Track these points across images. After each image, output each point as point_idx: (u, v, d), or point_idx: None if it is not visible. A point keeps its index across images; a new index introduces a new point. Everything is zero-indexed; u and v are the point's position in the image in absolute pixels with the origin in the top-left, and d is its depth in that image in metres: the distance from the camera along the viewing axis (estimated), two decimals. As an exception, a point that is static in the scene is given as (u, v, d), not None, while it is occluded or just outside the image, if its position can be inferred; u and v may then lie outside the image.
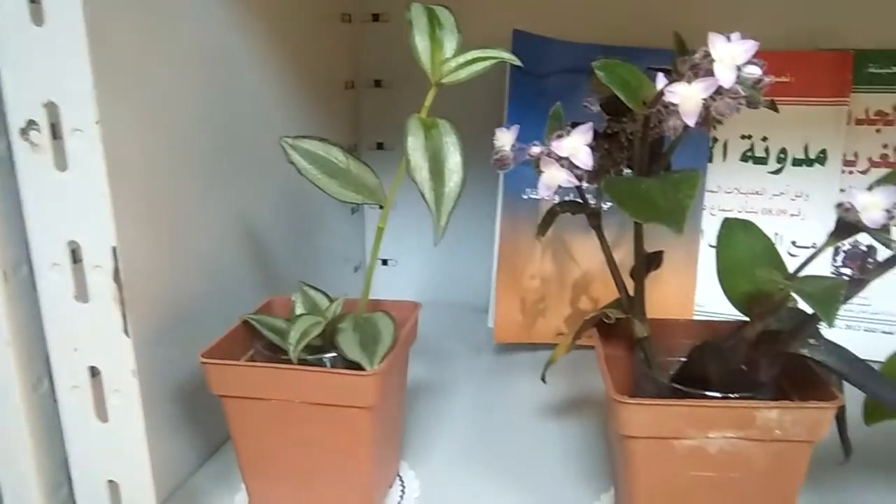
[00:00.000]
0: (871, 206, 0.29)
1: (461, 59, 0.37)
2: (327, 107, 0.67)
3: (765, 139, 0.62)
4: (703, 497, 0.34)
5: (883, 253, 0.32)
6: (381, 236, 0.42)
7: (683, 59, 0.31)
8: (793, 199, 0.62)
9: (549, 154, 0.33)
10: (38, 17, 0.31)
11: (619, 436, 0.34)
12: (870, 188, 0.30)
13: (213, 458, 0.49)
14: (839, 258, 0.61)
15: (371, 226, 0.78)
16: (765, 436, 0.33)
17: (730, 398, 0.34)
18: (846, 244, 0.62)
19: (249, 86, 0.53)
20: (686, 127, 0.31)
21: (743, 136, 0.62)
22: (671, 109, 0.30)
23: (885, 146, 0.60)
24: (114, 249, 0.33)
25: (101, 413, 0.36)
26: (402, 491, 0.45)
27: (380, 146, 0.74)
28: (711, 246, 0.64)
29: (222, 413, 0.39)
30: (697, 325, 0.42)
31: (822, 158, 0.61)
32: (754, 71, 0.30)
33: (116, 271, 0.34)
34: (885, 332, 0.61)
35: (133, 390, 0.35)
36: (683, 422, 0.33)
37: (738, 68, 0.29)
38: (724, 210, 0.63)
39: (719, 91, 0.29)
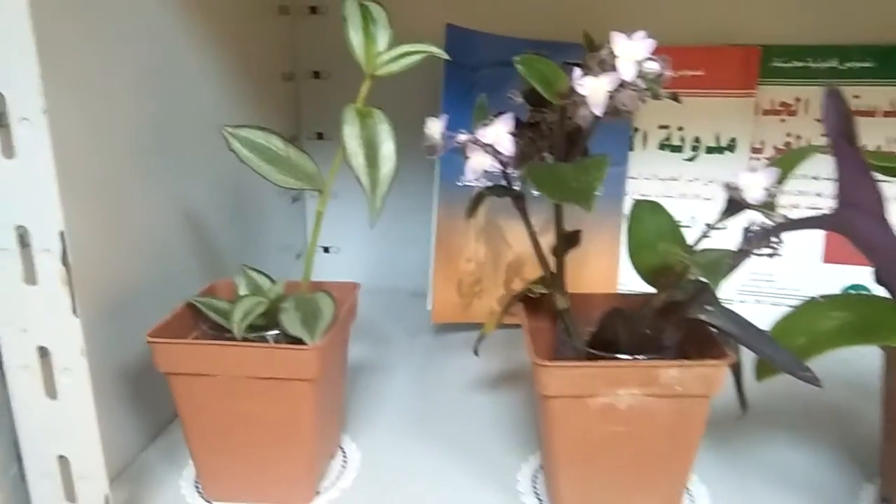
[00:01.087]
0: (752, 185, 0.33)
1: (393, 52, 0.40)
2: (267, 98, 0.69)
3: (681, 129, 0.67)
4: (614, 449, 0.38)
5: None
6: (321, 220, 0.45)
7: (592, 55, 0.34)
8: (706, 185, 0.67)
9: (475, 141, 0.37)
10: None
11: (540, 396, 0.38)
12: (753, 169, 0.34)
13: (159, 436, 0.50)
14: (745, 239, 0.67)
15: (312, 214, 0.80)
16: (667, 392, 0.37)
17: (637, 360, 0.38)
18: (755, 224, 0.67)
19: (190, 77, 0.54)
20: (597, 117, 0.34)
21: (661, 126, 0.67)
22: (581, 100, 0.34)
23: (789, 135, 0.66)
24: (62, 234, 0.35)
25: (51, 391, 0.37)
26: (344, 461, 0.48)
27: (320, 136, 0.76)
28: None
29: (168, 392, 0.41)
30: (613, 297, 0.46)
31: (732, 146, 0.66)
32: (653, 66, 0.34)
33: (64, 254, 0.35)
34: (789, 306, 0.66)
35: (82, 369, 0.37)
36: (596, 381, 0.37)
37: (639, 64, 0.33)
38: (644, 195, 0.67)
39: (622, 84, 0.33)
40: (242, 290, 0.45)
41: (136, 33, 0.46)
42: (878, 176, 0.54)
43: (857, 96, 0.64)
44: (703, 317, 0.38)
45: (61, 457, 0.39)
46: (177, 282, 0.51)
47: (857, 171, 0.26)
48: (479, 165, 0.37)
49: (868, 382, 0.47)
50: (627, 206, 0.68)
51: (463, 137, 0.37)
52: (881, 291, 0.41)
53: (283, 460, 0.42)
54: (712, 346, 0.39)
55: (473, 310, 0.66)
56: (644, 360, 0.37)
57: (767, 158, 0.66)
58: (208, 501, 0.44)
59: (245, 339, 0.41)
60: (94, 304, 0.43)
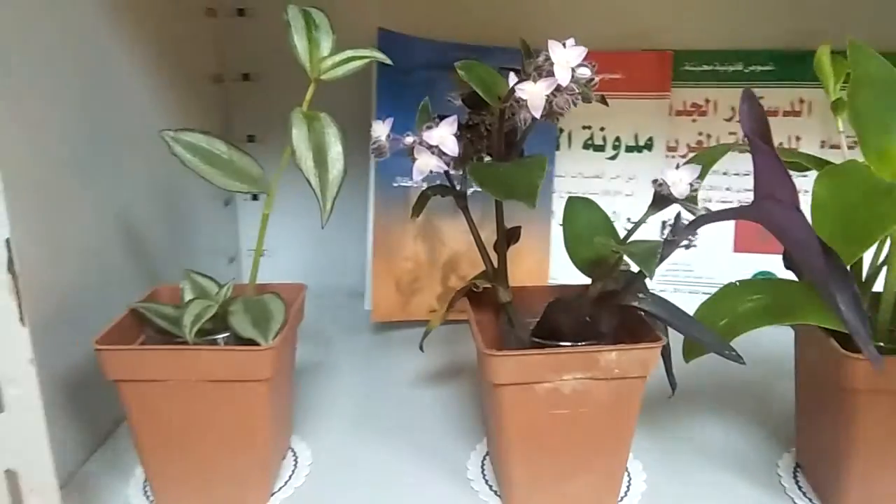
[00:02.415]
0: (678, 181, 0.36)
1: (337, 57, 0.41)
2: (196, 100, 0.68)
3: (602, 129, 0.70)
4: (560, 431, 0.41)
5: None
6: (267, 222, 0.45)
7: (529, 61, 0.37)
8: (627, 182, 0.71)
9: (422, 143, 0.38)
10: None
11: (489, 385, 0.40)
12: (677, 167, 0.37)
13: (101, 446, 0.49)
14: (666, 231, 0.71)
15: (244, 217, 0.79)
16: (607, 374, 0.39)
17: (578, 346, 0.40)
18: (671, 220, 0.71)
19: (120, 82, 0.54)
20: (534, 119, 0.36)
21: (584, 127, 0.70)
22: (521, 104, 0.36)
23: (700, 133, 0.70)
24: (7, 241, 0.34)
25: (-3, 404, 0.37)
26: (295, 460, 0.49)
27: (251, 138, 0.76)
28: (561, 225, 0.71)
29: (108, 400, 0.41)
30: (551, 289, 0.48)
31: (649, 145, 0.70)
32: (585, 72, 0.36)
33: (10, 262, 0.35)
34: (705, 293, 0.71)
35: (31, 379, 0.36)
36: (543, 368, 0.39)
37: (573, 70, 0.35)
38: (570, 192, 0.70)
39: (559, 88, 0.35)
40: (188, 295, 0.45)
41: (64, 38, 0.46)
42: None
43: (760, 97, 0.69)
44: (636, 304, 0.40)
45: (9, 471, 0.38)
46: (111, 288, 0.50)
47: (772, 167, 0.29)
48: (425, 166, 0.39)
49: (780, 361, 0.51)
50: (555, 203, 0.71)
51: (410, 139, 0.39)
52: (789, 275, 0.45)
53: (237, 462, 0.43)
54: (645, 331, 0.42)
55: (412, 308, 0.68)
56: (584, 346, 0.40)
57: (682, 156, 0.71)
58: (163, 510, 0.44)
59: (195, 344, 0.41)
60: (35, 313, 0.42)
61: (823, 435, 0.43)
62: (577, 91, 0.36)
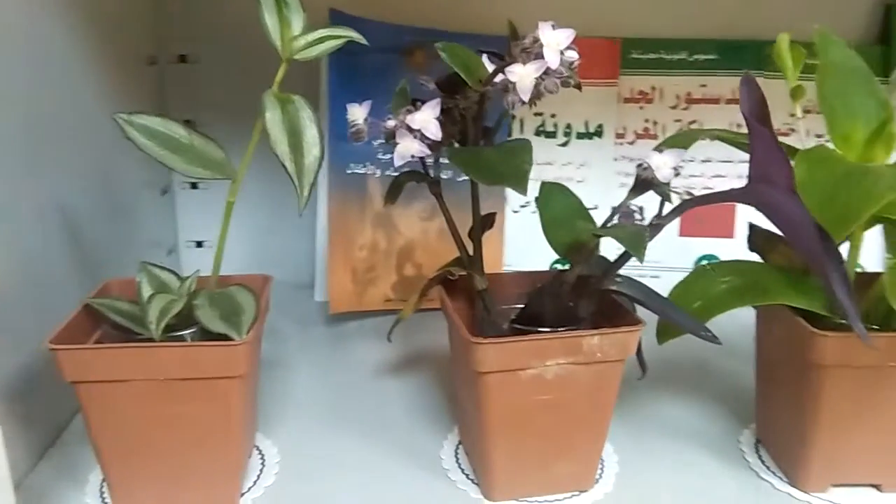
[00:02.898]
0: (662, 165, 0.37)
1: (311, 36, 0.39)
2: (130, 83, 0.64)
3: (553, 116, 0.71)
4: (543, 417, 0.41)
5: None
6: (231, 210, 0.43)
7: (516, 43, 0.36)
8: (578, 168, 0.71)
9: (404, 126, 0.37)
10: None
11: (473, 373, 0.39)
12: (660, 151, 0.38)
13: (49, 451, 0.46)
14: (616, 217, 0.72)
15: (182, 207, 0.75)
16: (589, 359, 0.39)
17: (559, 331, 0.40)
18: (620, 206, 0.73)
19: (49, 63, 0.49)
20: (522, 102, 0.36)
21: (536, 114, 0.70)
22: (510, 87, 0.35)
23: (647, 120, 0.72)
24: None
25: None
26: (262, 459, 0.47)
27: (188, 123, 0.72)
28: (514, 211, 0.72)
29: (55, 404, 0.38)
30: (523, 276, 0.48)
31: (599, 132, 0.71)
32: (573, 55, 0.36)
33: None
34: (652, 277, 0.73)
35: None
36: (527, 354, 0.39)
37: (561, 52, 0.35)
38: (523, 179, 0.70)
39: (547, 71, 0.35)
40: (146, 289, 0.42)
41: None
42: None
43: (703, 85, 0.71)
44: (614, 287, 0.41)
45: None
46: (48, 285, 0.47)
47: (769, 149, 0.29)
48: (407, 150, 0.37)
49: (738, 343, 0.53)
50: (507, 190, 0.71)
51: (391, 123, 0.38)
52: (740, 257, 0.47)
53: (208, 463, 0.40)
54: (621, 315, 0.42)
55: (368, 298, 0.67)
56: (567, 331, 0.40)
57: (630, 143, 0.72)
58: (122, 516, 0.41)
59: (162, 341, 0.38)
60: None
61: (787, 410, 0.45)
62: (565, 74, 0.35)
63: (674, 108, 0.72)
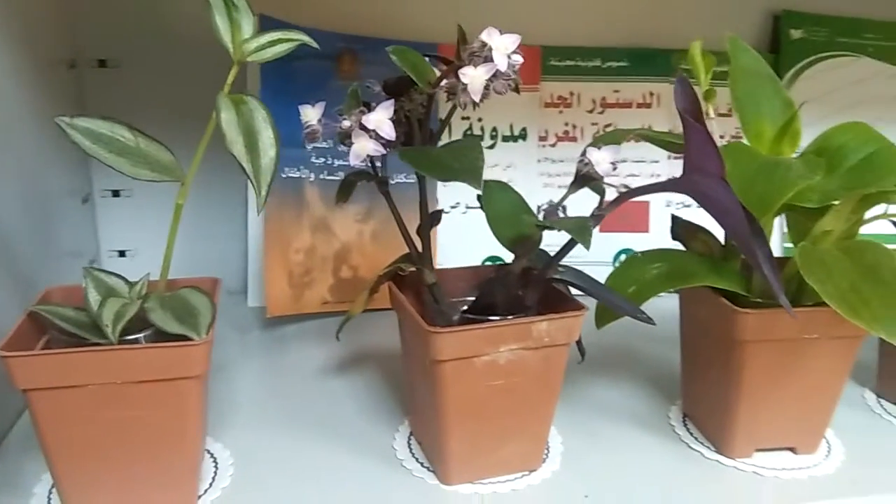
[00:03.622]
0: (601, 160, 0.40)
1: (262, 39, 0.40)
2: (50, 88, 0.62)
3: (480, 120, 0.74)
4: (496, 401, 0.43)
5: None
6: (181, 213, 0.43)
7: (465, 47, 0.38)
8: (504, 169, 0.74)
9: (360, 127, 0.38)
10: None
11: (431, 362, 0.41)
12: (598, 147, 0.41)
13: (-12, 471, 0.44)
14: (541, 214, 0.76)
15: (103, 216, 0.73)
16: (538, 343, 0.42)
17: (510, 319, 0.43)
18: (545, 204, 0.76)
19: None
20: (474, 102, 0.38)
21: (463, 118, 0.73)
22: (463, 88, 0.37)
23: (567, 124, 0.76)
24: None
25: None
26: (215, 462, 0.47)
27: (110, 130, 0.70)
28: (445, 212, 0.74)
29: None
30: (468, 271, 0.50)
31: (523, 135, 0.74)
32: (518, 59, 0.38)
33: None
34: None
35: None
36: (482, 341, 0.41)
37: (508, 56, 0.37)
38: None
39: (496, 74, 0.37)
40: (92, 294, 0.41)
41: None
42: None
43: (617, 91, 0.76)
44: (558, 276, 0.44)
45: None
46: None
47: (702, 141, 0.33)
48: (363, 150, 0.39)
49: (659, 329, 0.57)
50: (438, 192, 0.73)
51: (347, 123, 0.39)
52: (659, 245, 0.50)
53: (165, 466, 0.40)
54: (563, 302, 0.45)
55: (305, 301, 0.67)
56: (518, 318, 0.42)
57: (552, 145, 0.76)
58: (75, 527, 0.40)
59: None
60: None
61: (711, 385, 0.49)
62: (512, 76, 0.38)
63: (591, 111, 0.76)
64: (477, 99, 0.38)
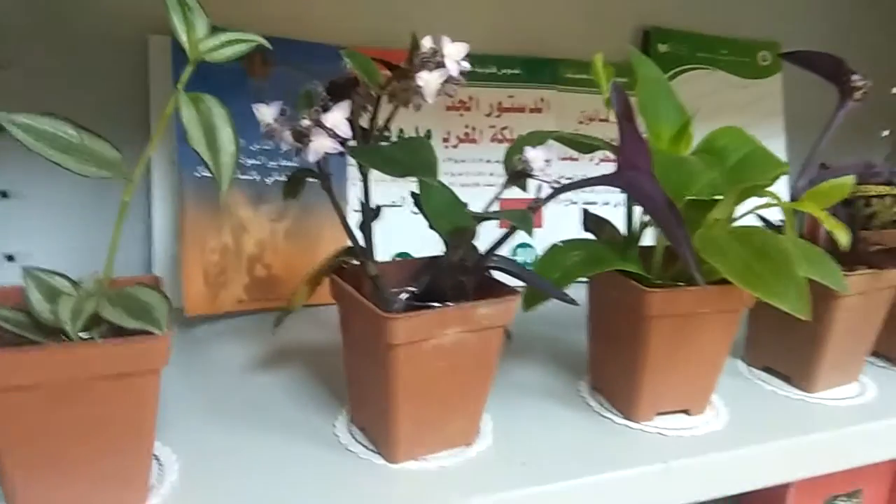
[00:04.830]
0: (536, 158, 0.44)
1: (217, 40, 0.41)
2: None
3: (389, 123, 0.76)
4: (441, 381, 0.46)
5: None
6: (126, 210, 0.43)
7: (416, 53, 0.41)
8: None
9: (319, 125, 0.40)
10: None
11: (385, 346, 0.43)
12: (533, 147, 0.45)
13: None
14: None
15: (13, 214, 0.69)
16: (479, 326, 0.46)
17: (454, 305, 0.46)
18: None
19: None
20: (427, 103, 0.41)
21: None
22: (417, 90, 0.40)
23: (467, 126, 0.81)
24: None
25: None
26: (158, 459, 0.46)
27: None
28: (356, 211, 0.76)
29: None
30: (404, 263, 0.53)
31: (429, 136, 0.78)
32: (466, 65, 0.42)
33: None
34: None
35: None
36: (431, 326, 0.44)
37: (458, 62, 0.41)
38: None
39: (448, 78, 0.41)
40: (34, 293, 0.40)
41: None
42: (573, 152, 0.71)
43: (511, 96, 0.82)
44: (493, 264, 0.48)
45: None
46: None
47: (635, 141, 0.38)
48: (321, 148, 0.41)
49: (559, 316, 0.62)
50: (349, 190, 0.75)
51: (306, 122, 0.41)
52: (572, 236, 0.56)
53: (121, 462, 0.40)
54: (498, 287, 0.49)
55: (221, 300, 0.67)
56: (460, 304, 0.46)
57: (454, 146, 0.80)
58: (24, 533, 0.39)
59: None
60: None
61: (618, 358, 0.55)
62: (462, 81, 0.42)
63: (488, 115, 0.81)
64: (431, 101, 0.41)
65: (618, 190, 0.51)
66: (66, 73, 0.68)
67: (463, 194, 0.62)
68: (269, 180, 0.69)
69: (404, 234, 0.75)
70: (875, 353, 0.67)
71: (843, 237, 0.47)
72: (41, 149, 0.39)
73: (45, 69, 0.67)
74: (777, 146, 0.93)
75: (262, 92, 0.69)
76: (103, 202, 0.71)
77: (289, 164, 0.71)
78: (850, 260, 0.59)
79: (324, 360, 0.61)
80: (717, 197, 0.51)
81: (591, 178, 0.43)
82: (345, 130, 0.41)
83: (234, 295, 0.68)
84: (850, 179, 0.47)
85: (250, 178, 0.68)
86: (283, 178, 0.66)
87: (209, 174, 0.67)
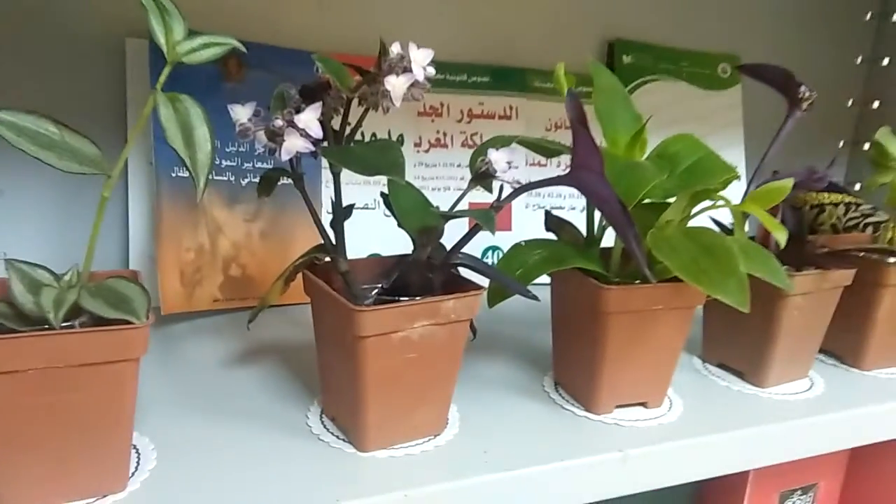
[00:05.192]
0: (499, 160, 0.47)
1: (197, 41, 0.43)
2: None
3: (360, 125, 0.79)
4: (409, 373, 0.48)
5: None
6: (104, 206, 0.44)
7: (385, 58, 0.44)
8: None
9: (291, 125, 0.43)
10: None
11: (354, 338, 0.45)
12: (496, 149, 0.48)
13: None
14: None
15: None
16: (446, 319, 0.48)
17: (422, 299, 0.48)
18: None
19: None
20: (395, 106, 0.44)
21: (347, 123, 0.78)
22: (385, 94, 0.43)
23: (438, 132, 0.83)
24: None
25: None
26: (136, 448, 0.48)
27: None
28: (328, 212, 0.78)
29: None
30: (376, 260, 0.55)
31: (401, 141, 0.81)
32: (432, 71, 0.45)
33: None
34: (448, 267, 0.84)
35: None
36: (399, 319, 0.46)
37: (424, 67, 0.44)
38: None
39: (414, 83, 0.43)
40: (17, 285, 0.42)
41: None
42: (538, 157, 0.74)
43: (481, 103, 0.85)
44: (458, 261, 0.50)
45: None
46: None
47: (587, 144, 0.40)
48: (293, 147, 0.43)
49: (524, 315, 0.65)
50: (323, 192, 0.77)
51: (279, 123, 0.43)
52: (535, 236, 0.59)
53: (100, 449, 0.42)
54: (464, 283, 0.51)
55: (196, 299, 0.68)
56: (429, 298, 0.48)
57: (425, 150, 0.83)
58: (3, 517, 0.40)
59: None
60: None
61: (579, 353, 0.57)
62: (427, 85, 0.44)
63: (459, 121, 0.84)
64: (398, 104, 0.43)
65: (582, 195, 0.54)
66: (44, 74, 0.69)
67: (434, 197, 0.65)
68: (243, 181, 0.71)
69: (376, 236, 0.77)
70: (824, 351, 0.71)
71: (781, 236, 0.50)
72: (23, 144, 0.41)
73: (23, 69, 0.68)
74: (737, 154, 0.97)
75: (236, 95, 0.70)
76: (80, 199, 0.72)
77: (263, 165, 0.73)
78: (798, 261, 0.62)
79: (297, 356, 0.63)
80: (669, 200, 0.54)
81: (548, 179, 0.45)
82: (316, 131, 0.43)
83: (209, 294, 0.69)
84: (789, 182, 0.50)
85: (225, 178, 0.70)
86: (258, 180, 0.68)
87: (185, 174, 0.69)
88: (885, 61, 1.09)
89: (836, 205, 0.95)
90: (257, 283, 0.72)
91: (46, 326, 0.40)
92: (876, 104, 1.11)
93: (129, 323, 0.40)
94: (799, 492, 0.80)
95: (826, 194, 0.97)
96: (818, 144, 1.11)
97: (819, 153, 1.11)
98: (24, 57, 0.68)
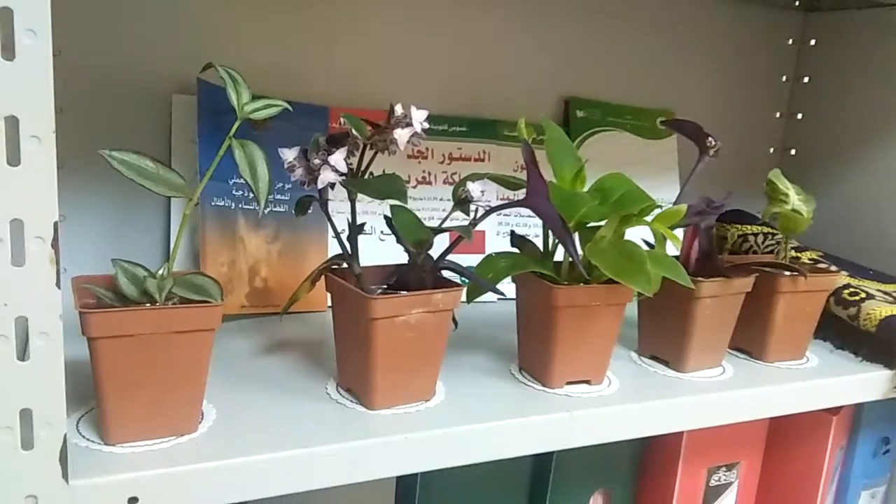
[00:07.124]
0: (475, 189, 0.64)
1: (259, 104, 0.59)
2: None
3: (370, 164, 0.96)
4: (408, 349, 0.64)
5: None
6: (187, 221, 0.60)
7: (392, 115, 0.61)
8: (379, 204, 0.97)
9: (326, 163, 0.59)
10: None
11: (368, 320, 0.61)
12: (473, 182, 0.65)
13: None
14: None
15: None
16: (436, 308, 0.64)
17: (419, 292, 0.65)
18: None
19: None
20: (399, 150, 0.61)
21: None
22: (393, 141, 0.60)
23: (424, 171, 1.00)
24: (55, 223, 0.46)
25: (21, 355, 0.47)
26: (202, 411, 0.63)
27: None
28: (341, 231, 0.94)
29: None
30: (381, 267, 0.71)
31: (393, 178, 0.97)
32: (426, 125, 0.62)
33: (55, 239, 0.46)
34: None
35: (58, 332, 0.47)
36: (402, 306, 0.62)
37: (421, 123, 0.61)
38: (339, 212, 0.94)
39: (414, 134, 0.60)
40: (122, 278, 0.57)
41: None
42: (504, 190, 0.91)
43: (460, 148, 1.02)
44: (444, 265, 0.67)
45: (24, 410, 0.48)
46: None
47: (537, 177, 0.57)
48: (326, 178, 0.60)
49: (492, 319, 0.81)
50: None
51: (317, 161, 0.60)
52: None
53: (184, 396, 0.57)
54: (447, 282, 0.68)
55: (228, 304, 0.84)
56: (422, 292, 0.65)
57: (413, 186, 1.00)
58: (112, 445, 0.55)
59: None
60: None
61: (537, 340, 0.74)
62: (424, 136, 0.61)
63: (441, 163, 1.01)
64: (403, 149, 0.60)
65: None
66: (105, 123, 0.85)
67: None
68: (266, 211, 0.87)
69: (373, 256, 0.93)
70: (737, 349, 0.88)
71: (675, 243, 0.67)
72: (133, 175, 0.57)
73: (91, 120, 0.84)
74: (674, 191, 1.16)
75: (263, 140, 0.87)
76: (129, 224, 0.88)
77: (281, 198, 0.89)
78: (709, 272, 0.80)
79: (314, 349, 0.79)
80: (601, 222, 0.71)
81: (509, 203, 0.63)
82: (342, 167, 0.60)
83: (238, 301, 0.85)
84: (682, 207, 0.68)
85: (251, 208, 0.86)
86: (277, 209, 0.85)
87: (223, 203, 0.85)
88: (800, 115, 1.30)
89: (756, 235, 1.13)
90: (276, 293, 0.88)
91: (148, 305, 0.56)
92: (793, 151, 1.31)
93: (208, 303, 0.56)
94: (724, 468, 0.96)
95: (749, 226, 1.16)
96: (745, 182, 1.30)
97: (746, 189, 1.30)
98: (91, 109, 0.84)
